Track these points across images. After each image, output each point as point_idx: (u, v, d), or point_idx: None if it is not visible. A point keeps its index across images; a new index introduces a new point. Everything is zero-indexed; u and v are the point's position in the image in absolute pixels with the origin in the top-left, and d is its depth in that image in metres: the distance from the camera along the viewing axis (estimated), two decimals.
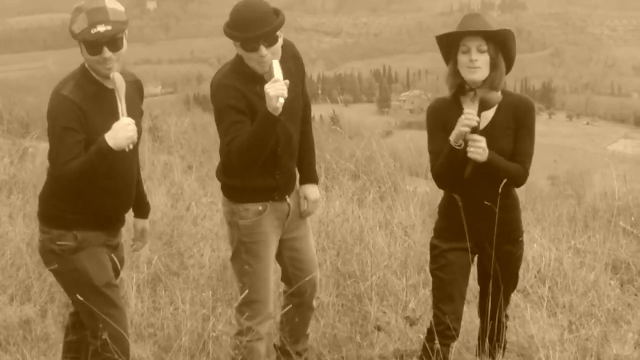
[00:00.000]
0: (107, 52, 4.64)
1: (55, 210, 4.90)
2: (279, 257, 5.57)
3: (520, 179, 5.04)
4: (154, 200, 8.97)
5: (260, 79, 4.99)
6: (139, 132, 4.81)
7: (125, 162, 4.90)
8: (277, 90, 4.74)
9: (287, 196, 5.41)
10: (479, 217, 5.06)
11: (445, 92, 5.15)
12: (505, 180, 4.94)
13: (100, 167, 4.63)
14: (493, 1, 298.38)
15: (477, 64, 4.85)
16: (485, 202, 4.96)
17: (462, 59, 4.89)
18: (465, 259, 5.19)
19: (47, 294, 6.88)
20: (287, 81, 4.83)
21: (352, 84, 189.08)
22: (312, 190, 5.62)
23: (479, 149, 4.81)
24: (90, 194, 4.81)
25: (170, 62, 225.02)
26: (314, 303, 5.83)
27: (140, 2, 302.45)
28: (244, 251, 5.29)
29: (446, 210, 5.22)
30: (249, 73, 5.04)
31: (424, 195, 9.15)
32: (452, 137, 4.89)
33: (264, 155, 4.97)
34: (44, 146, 5.78)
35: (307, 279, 5.58)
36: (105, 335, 4.87)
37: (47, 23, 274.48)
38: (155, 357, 5.93)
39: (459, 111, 4.94)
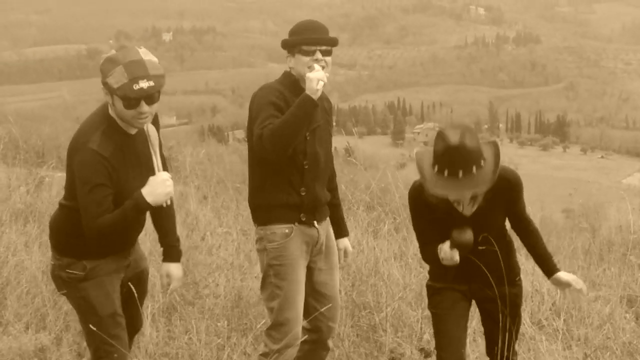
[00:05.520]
0: (144, 107, 4.55)
1: (66, 241, 4.87)
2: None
3: None
4: None
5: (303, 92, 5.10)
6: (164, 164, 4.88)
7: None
8: (317, 74, 4.97)
9: (315, 221, 5.40)
10: (474, 264, 4.91)
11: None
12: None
13: (134, 221, 4.69)
14: (507, 35, 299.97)
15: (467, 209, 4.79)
16: (480, 248, 4.84)
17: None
18: (462, 298, 5.05)
19: (63, 322, 6.89)
20: (327, 74, 5.07)
21: (366, 116, 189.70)
22: (348, 243, 5.91)
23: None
24: None
25: (184, 93, 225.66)
26: (330, 343, 5.72)
27: (156, 33, 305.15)
28: (272, 274, 5.28)
29: (439, 262, 4.95)
30: (293, 83, 5.22)
31: None
32: (444, 257, 4.79)
33: (295, 141, 5.01)
34: (60, 175, 5.81)
35: (328, 317, 5.60)
36: None
37: (63, 54, 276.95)
38: None
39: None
